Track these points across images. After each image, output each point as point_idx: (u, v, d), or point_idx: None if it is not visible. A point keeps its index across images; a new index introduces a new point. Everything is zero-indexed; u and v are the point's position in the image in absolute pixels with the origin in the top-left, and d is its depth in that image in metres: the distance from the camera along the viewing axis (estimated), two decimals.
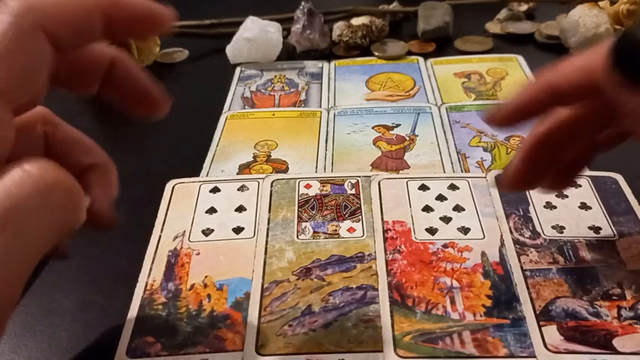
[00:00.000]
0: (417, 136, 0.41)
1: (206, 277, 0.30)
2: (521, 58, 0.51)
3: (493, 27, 0.57)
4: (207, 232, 0.33)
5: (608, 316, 0.27)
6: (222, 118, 0.45)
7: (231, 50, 0.52)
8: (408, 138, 0.41)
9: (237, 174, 0.38)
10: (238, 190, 0.36)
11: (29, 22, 0.19)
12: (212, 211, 0.35)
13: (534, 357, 0.26)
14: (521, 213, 0.33)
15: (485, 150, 0.39)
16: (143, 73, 0.25)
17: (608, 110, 0.26)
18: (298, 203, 0.35)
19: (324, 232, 0.33)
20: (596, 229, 0.32)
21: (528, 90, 0.27)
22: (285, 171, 0.38)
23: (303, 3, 0.53)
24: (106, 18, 0.20)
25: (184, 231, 0.33)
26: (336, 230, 0.33)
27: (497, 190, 0.32)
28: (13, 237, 0.18)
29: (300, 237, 0.32)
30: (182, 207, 0.35)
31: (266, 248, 0.32)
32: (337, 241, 0.32)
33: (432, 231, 0.32)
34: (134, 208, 0.35)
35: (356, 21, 0.54)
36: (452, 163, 0.38)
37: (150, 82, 0.25)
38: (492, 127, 0.28)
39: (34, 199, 0.19)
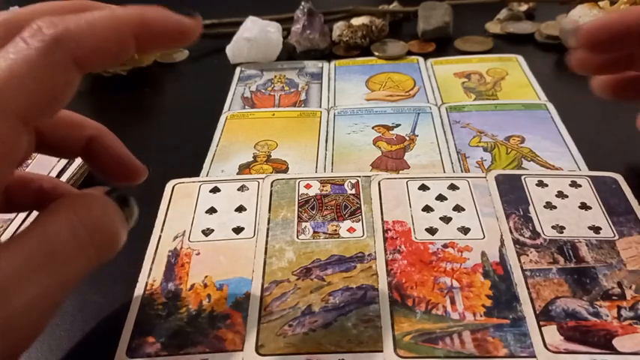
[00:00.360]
0: (417, 136, 0.41)
1: (206, 277, 0.30)
2: (521, 58, 0.51)
3: (493, 27, 0.57)
4: (207, 232, 0.33)
5: (608, 316, 0.27)
6: (222, 118, 0.45)
7: (231, 50, 0.52)
8: (408, 138, 0.41)
9: (237, 174, 0.38)
10: (238, 190, 0.36)
11: (61, 53, 0.19)
12: (212, 211, 0.35)
13: (534, 357, 0.26)
14: (521, 213, 0.33)
15: (485, 150, 0.39)
16: (122, 147, 0.27)
17: None
18: (298, 203, 0.35)
19: (324, 232, 0.33)
20: (596, 229, 0.32)
21: (625, 16, 0.28)
22: (285, 171, 0.38)
23: (303, 3, 0.53)
24: (137, 39, 0.21)
25: (184, 231, 0.33)
26: (336, 230, 0.33)
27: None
28: (50, 277, 0.20)
29: (300, 237, 0.32)
30: (182, 207, 0.35)
31: (266, 248, 0.32)
32: (337, 241, 0.32)
33: (432, 231, 0.32)
34: None
35: (356, 21, 0.54)
36: (452, 163, 0.38)
37: (128, 155, 0.27)
38: (577, 39, 0.30)
39: (73, 245, 0.20)
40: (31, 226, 0.20)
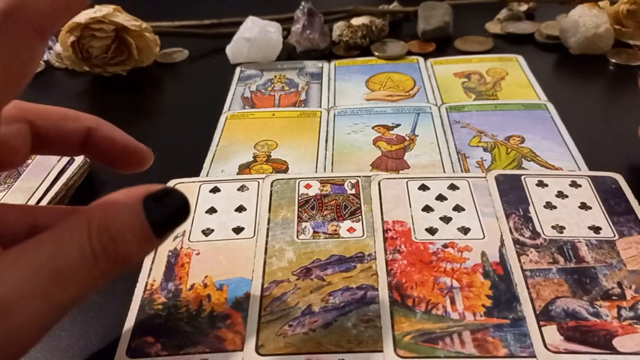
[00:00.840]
0: (417, 136, 0.41)
1: (206, 277, 0.30)
2: (521, 58, 0.51)
3: (493, 27, 0.57)
4: (207, 232, 0.33)
5: (608, 316, 0.27)
6: (222, 118, 0.45)
7: (231, 50, 0.52)
8: (408, 138, 0.41)
9: (237, 174, 0.38)
10: (238, 190, 0.36)
11: (18, 28, 0.18)
12: (212, 211, 0.35)
13: (534, 357, 0.26)
14: (521, 213, 0.33)
15: (485, 150, 0.39)
16: (122, 133, 0.26)
17: None
18: (298, 203, 0.35)
19: (324, 232, 0.33)
20: (596, 229, 0.32)
21: None
22: (285, 171, 0.38)
23: (303, 3, 0.53)
24: None
25: (184, 231, 0.33)
26: (336, 230, 0.33)
27: None
28: (54, 295, 0.19)
29: (300, 237, 0.32)
30: None
31: (266, 248, 0.32)
32: (337, 241, 0.32)
33: (432, 231, 0.32)
34: None
35: (356, 21, 0.54)
36: (452, 163, 0.38)
37: (130, 140, 0.26)
38: None
39: (81, 267, 0.20)
40: (45, 239, 0.20)
